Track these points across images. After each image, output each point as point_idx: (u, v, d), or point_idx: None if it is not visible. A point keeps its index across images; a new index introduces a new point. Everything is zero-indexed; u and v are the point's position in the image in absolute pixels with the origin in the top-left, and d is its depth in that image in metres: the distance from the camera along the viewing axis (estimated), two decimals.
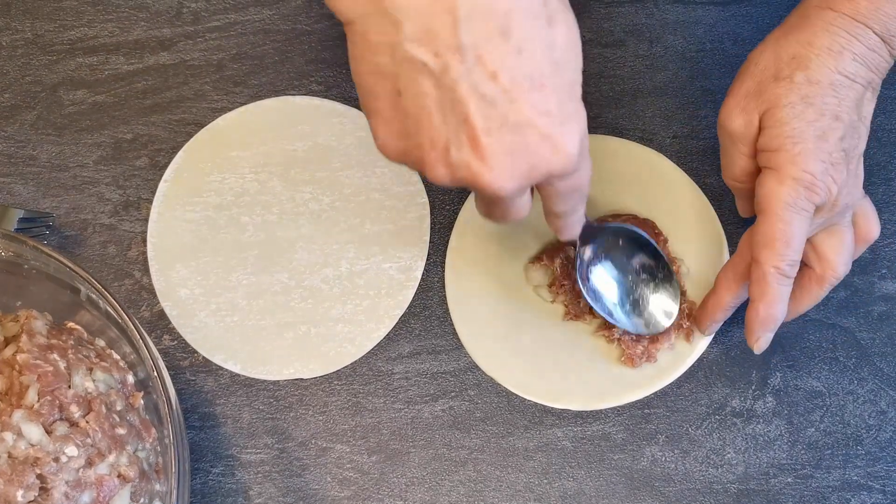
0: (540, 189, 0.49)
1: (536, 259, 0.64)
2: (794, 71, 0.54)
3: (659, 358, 0.62)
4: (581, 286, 0.60)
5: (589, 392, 0.61)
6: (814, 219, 0.55)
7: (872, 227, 0.59)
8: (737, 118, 0.56)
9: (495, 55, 0.42)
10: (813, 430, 0.61)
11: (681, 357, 0.62)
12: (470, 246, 0.65)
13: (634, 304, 0.61)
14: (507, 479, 0.60)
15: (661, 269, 0.61)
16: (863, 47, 0.54)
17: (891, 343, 0.62)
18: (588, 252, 0.60)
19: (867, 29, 0.53)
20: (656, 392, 0.61)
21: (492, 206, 0.48)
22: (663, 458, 0.60)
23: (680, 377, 0.62)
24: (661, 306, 0.61)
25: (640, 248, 0.61)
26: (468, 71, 0.42)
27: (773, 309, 0.56)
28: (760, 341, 0.57)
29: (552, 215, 0.53)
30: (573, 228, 0.54)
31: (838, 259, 0.57)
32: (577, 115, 0.45)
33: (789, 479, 0.60)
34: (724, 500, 0.59)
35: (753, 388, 0.62)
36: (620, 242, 0.60)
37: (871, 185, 0.66)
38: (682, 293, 0.62)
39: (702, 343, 0.62)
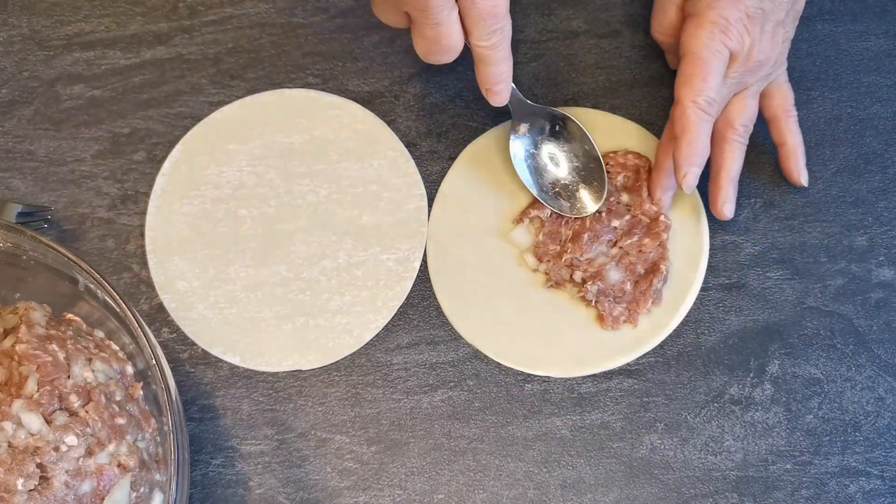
0: (465, 18, 0.55)
1: (518, 219, 0.65)
2: None
3: (639, 323, 0.62)
4: (513, 161, 0.63)
5: (569, 359, 0.62)
6: (728, 70, 0.60)
7: (787, 95, 0.65)
8: None
9: None
10: (811, 416, 0.61)
11: (660, 326, 0.62)
12: (451, 218, 0.65)
13: (564, 188, 0.64)
14: (507, 468, 0.60)
15: (591, 161, 0.64)
16: None
17: (888, 330, 0.63)
18: (522, 128, 0.64)
19: None
20: (654, 380, 0.62)
21: (424, 24, 0.54)
22: (662, 446, 0.60)
23: (678, 365, 0.62)
24: (589, 193, 0.64)
25: (573, 138, 0.65)
26: None
27: (696, 143, 0.60)
28: (689, 176, 0.60)
29: (480, 60, 0.58)
30: (501, 85, 0.60)
31: (737, 118, 0.63)
32: None
33: (788, 466, 0.60)
34: (723, 487, 0.59)
35: (752, 375, 0.62)
36: (555, 126, 0.64)
37: (867, 174, 0.66)
38: (657, 269, 0.63)
39: (679, 312, 0.63)
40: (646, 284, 0.62)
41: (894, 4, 0.70)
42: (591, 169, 0.64)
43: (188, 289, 0.64)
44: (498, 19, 0.55)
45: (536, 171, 0.64)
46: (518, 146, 0.64)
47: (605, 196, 0.64)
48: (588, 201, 0.64)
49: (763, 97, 0.65)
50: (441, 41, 0.55)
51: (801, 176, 0.65)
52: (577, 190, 0.64)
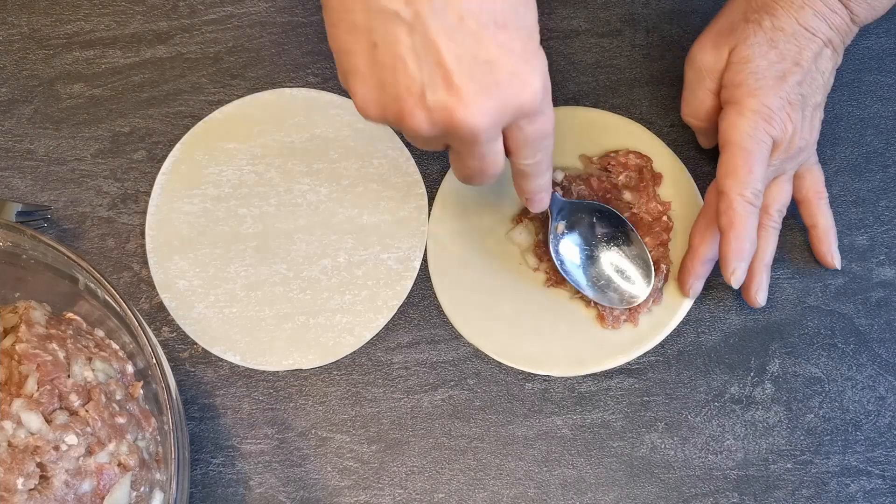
0: (509, 141, 0.51)
1: (517, 218, 0.65)
2: (762, 16, 0.59)
3: (639, 323, 0.62)
4: (555, 260, 0.62)
5: (570, 358, 0.62)
6: (770, 158, 0.59)
7: (818, 177, 0.64)
8: (708, 52, 0.61)
9: (461, 1, 0.45)
10: (812, 416, 0.61)
11: (660, 324, 0.62)
12: (452, 217, 0.65)
13: (608, 280, 0.62)
14: (507, 467, 0.60)
15: (633, 244, 0.63)
16: (822, 6, 0.59)
17: (889, 329, 0.63)
18: (561, 227, 0.62)
19: None
20: (655, 380, 0.62)
21: (468, 156, 0.50)
22: (663, 446, 0.60)
23: (679, 365, 0.62)
24: (635, 280, 0.62)
25: (611, 224, 0.63)
26: (438, 15, 0.44)
27: (744, 238, 0.58)
28: (738, 272, 0.59)
29: (522, 175, 0.54)
30: (542, 194, 0.56)
31: (773, 203, 0.62)
32: (539, 56, 0.48)
33: (788, 465, 0.60)
34: (724, 487, 0.59)
35: (752, 374, 0.62)
36: (593, 219, 0.63)
37: (868, 173, 0.66)
38: (657, 267, 0.63)
39: (680, 311, 0.63)
40: None
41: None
42: (634, 255, 0.63)
43: (188, 288, 0.64)
44: (546, 139, 0.51)
45: (590, 267, 0.62)
46: (565, 246, 0.62)
47: (652, 281, 0.62)
48: (635, 288, 0.62)
49: (794, 179, 0.63)
50: (486, 171, 0.51)
51: (835, 259, 0.63)
52: (622, 278, 0.62)
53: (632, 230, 0.63)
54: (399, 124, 0.48)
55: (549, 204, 0.58)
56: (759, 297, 0.62)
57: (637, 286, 0.62)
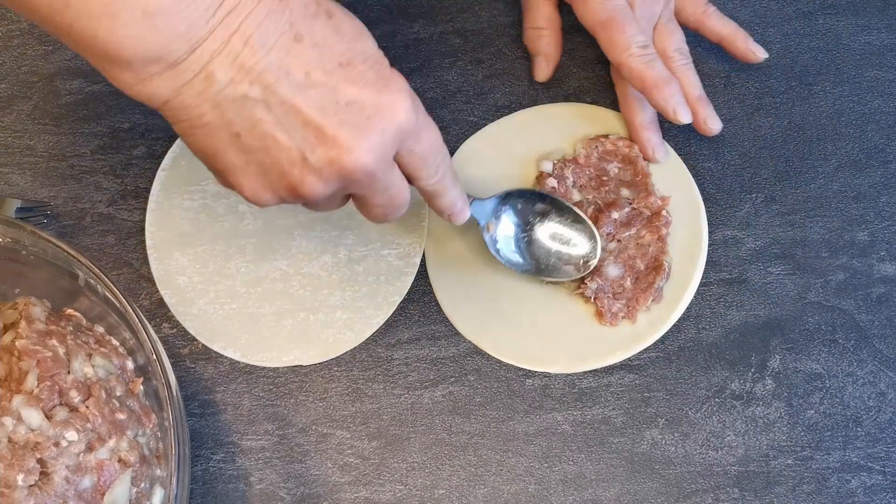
0: (406, 168, 0.51)
1: None
2: None
3: (637, 319, 0.62)
4: (500, 259, 0.62)
5: (569, 355, 0.62)
6: (634, 13, 0.62)
7: (695, 2, 0.66)
8: None
9: (301, 59, 0.45)
10: (812, 412, 0.61)
11: (659, 319, 0.62)
12: None
13: (555, 253, 0.63)
14: (508, 463, 0.60)
15: (564, 211, 0.63)
16: None
17: (890, 325, 0.62)
18: (491, 226, 0.62)
19: None
20: (655, 376, 0.62)
21: (373, 196, 0.50)
22: (663, 441, 0.60)
23: (679, 360, 0.62)
24: (579, 244, 0.63)
25: (536, 201, 0.63)
26: (284, 81, 0.45)
27: (660, 83, 0.61)
28: (679, 110, 0.62)
29: (434, 196, 0.54)
30: (460, 205, 0.56)
31: (669, 46, 0.65)
32: (395, 77, 0.48)
33: (789, 461, 0.60)
34: (724, 483, 0.59)
35: (753, 370, 0.62)
36: (519, 206, 0.63)
37: (869, 169, 0.66)
38: (659, 266, 0.63)
39: (679, 308, 0.62)
40: (647, 282, 0.62)
41: None
42: (578, 223, 0.63)
43: (188, 284, 0.64)
44: (439, 152, 0.52)
45: (533, 250, 0.62)
46: (501, 238, 0.62)
47: (599, 242, 0.62)
48: (588, 249, 0.62)
49: (677, 13, 0.66)
50: (395, 202, 0.51)
51: (757, 51, 0.66)
52: (577, 246, 0.63)
53: (556, 199, 0.63)
54: (296, 197, 0.48)
55: (470, 213, 0.58)
56: (710, 124, 0.64)
57: (582, 247, 0.62)
